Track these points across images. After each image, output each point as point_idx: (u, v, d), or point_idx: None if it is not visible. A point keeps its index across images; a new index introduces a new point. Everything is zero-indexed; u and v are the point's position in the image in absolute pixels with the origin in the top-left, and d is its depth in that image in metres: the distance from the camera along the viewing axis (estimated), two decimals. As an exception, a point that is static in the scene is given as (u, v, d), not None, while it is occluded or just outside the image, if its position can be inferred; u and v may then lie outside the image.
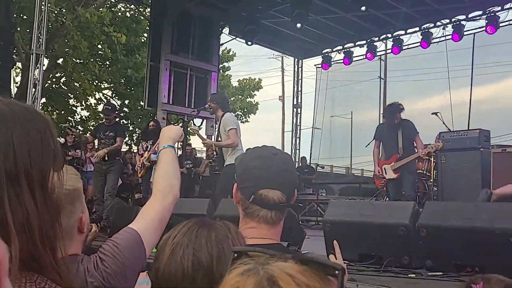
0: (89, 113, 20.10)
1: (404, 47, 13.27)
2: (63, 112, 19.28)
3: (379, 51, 14.54)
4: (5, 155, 0.91)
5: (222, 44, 15.61)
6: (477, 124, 11.95)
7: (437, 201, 7.34)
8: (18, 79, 17.36)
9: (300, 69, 16.70)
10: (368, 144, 8.18)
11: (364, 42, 14.08)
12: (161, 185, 1.63)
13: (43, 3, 9.64)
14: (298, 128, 16.55)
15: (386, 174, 7.56)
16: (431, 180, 8.50)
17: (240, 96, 27.23)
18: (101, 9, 16.37)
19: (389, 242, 4.55)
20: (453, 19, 12.18)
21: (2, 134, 0.93)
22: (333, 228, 4.91)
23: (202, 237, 1.24)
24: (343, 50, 14.71)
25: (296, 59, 16.78)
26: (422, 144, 7.35)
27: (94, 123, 18.75)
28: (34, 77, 9.29)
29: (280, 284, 0.59)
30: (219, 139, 7.30)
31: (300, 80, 16.68)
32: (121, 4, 18.71)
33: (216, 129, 7.60)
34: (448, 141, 7.36)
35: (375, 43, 13.95)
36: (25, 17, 15.50)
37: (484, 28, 11.48)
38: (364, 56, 14.16)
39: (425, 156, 7.54)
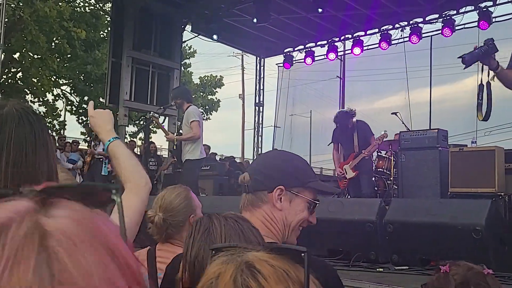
0: (46, 109, 19.54)
1: (364, 48, 13.60)
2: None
3: (340, 51, 14.82)
4: None
5: (185, 41, 15.55)
6: (435, 123, 12.42)
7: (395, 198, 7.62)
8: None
9: (262, 67, 16.79)
10: (330, 143, 8.41)
11: (325, 42, 14.33)
12: (134, 178, 1.61)
13: (1, -4, 9.37)
14: (260, 127, 16.67)
15: (347, 174, 7.82)
16: (391, 179, 8.79)
17: (201, 93, 27.16)
18: (60, 4, 15.97)
19: (357, 238, 4.73)
20: (411, 22, 12.59)
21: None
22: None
23: (246, 229, 1.26)
24: (304, 50, 14.90)
25: (258, 58, 16.86)
26: (375, 145, 7.76)
27: (51, 119, 18.28)
28: (-8, 72, 9.02)
29: (256, 266, 0.67)
30: (180, 131, 7.28)
31: (262, 79, 16.76)
32: (80, -2, 18.35)
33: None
34: (407, 140, 7.63)
35: (335, 43, 14.23)
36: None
37: (440, 31, 11.92)
38: (325, 56, 14.40)
39: (376, 148, 7.90)
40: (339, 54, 14.69)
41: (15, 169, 1.11)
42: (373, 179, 8.63)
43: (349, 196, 8.13)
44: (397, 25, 12.94)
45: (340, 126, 7.84)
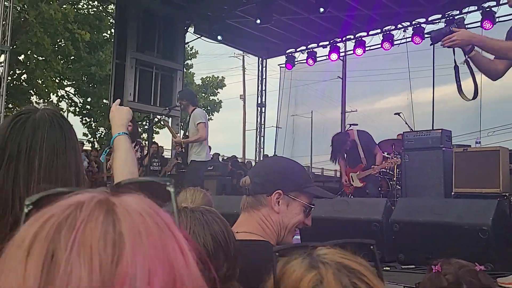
0: (50, 110, 19.61)
1: (366, 49, 13.65)
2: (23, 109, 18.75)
3: (342, 52, 14.88)
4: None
5: (188, 42, 15.63)
6: (438, 123, 12.46)
7: (402, 198, 7.67)
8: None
9: (264, 68, 16.86)
10: (330, 158, 8.44)
11: (327, 43, 14.39)
12: (123, 173, 1.66)
13: (7, -2, 9.44)
14: (262, 127, 16.72)
15: (353, 182, 7.87)
16: (394, 179, 8.84)
17: (203, 94, 27.22)
18: (64, 6, 16.06)
19: (363, 237, 4.77)
20: (413, 22, 12.64)
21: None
22: (313, 224, 5.09)
23: (211, 219, 1.30)
24: (306, 51, 14.96)
25: (260, 59, 16.93)
26: (381, 155, 7.79)
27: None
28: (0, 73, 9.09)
29: (352, 266, 0.73)
30: (187, 134, 7.36)
31: (264, 80, 16.82)
32: (83, 1, 18.42)
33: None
34: (411, 140, 7.68)
35: (337, 44, 14.28)
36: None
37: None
38: (327, 57, 14.46)
39: (380, 170, 7.91)
40: (341, 54, 14.74)
41: (48, 169, 1.18)
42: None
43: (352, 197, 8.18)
44: (399, 26, 12.99)
45: (338, 151, 7.87)
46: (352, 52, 14.11)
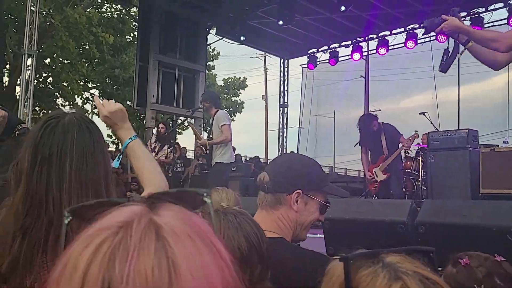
0: (76, 112, 19.97)
1: (389, 48, 13.50)
2: (50, 111, 19.16)
3: (365, 51, 14.76)
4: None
5: (210, 44, 15.70)
6: (464, 122, 12.24)
7: (428, 199, 7.56)
8: (5, 79, 17.21)
9: (286, 69, 16.84)
10: (356, 144, 8.37)
11: (349, 42, 14.29)
12: (155, 180, 1.65)
13: (33, 3, 9.62)
14: (285, 128, 16.68)
15: (377, 177, 7.77)
16: (420, 179, 8.73)
17: (225, 95, 27.31)
18: (88, 10, 16.32)
19: (387, 239, 4.72)
20: (437, 21, 12.42)
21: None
22: (332, 225, 5.06)
23: (243, 222, 1.29)
24: (329, 51, 14.89)
25: (282, 59, 16.91)
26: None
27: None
28: (27, 77, 9.26)
29: (429, 276, 0.73)
30: (211, 135, 7.37)
31: (286, 80, 16.80)
32: (107, 4, 18.67)
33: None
34: (436, 140, 7.56)
35: (360, 44, 14.17)
36: (12, 17, 15.38)
37: (468, 29, 11.73)
38: (350, 56, 14.35)
39: (408, 147, 7.85)
40: (363, 54, 14.62)
41: (78, 172, 1.21)
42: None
43: (376, 198, 8.09)
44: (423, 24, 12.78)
45: (364, 132, 7.78)
46: (375, 51, 13.97)
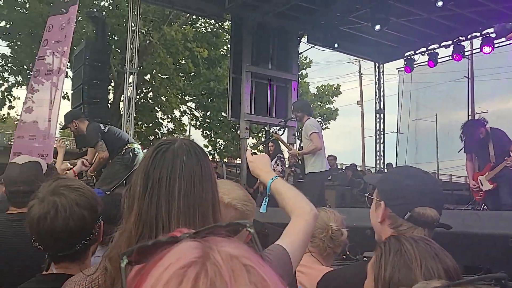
0: (174, 125, 20.95)
1: (495, 45, 12.57)
2: (151, 125, 20.29)
3: (467, 51, 13.92)
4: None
5: (301, 52, 15.65)
6: None
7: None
8: (110, 96, 18.47)
9: (381, 73, 16.42)
10: (460, 150, 7.78)
11: (449, 42, 13.55)
12: (298, 206, 1.70)
13: (133, 24, 10.18)
14: (382, 134, 16.18)
15: (482, 186, 7.14)
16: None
17: (319, 103, 27.11)
18: (184, 26, 17.03)
19: (497, 254, 4.31)
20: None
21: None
22: (435, 239, 4.73)
23: (439, 251, 1.28)
24: (427, 52, 14.25)
25: (376, 64, 16.49)
26: None
27: (177, 134, 19.51)
28: (129, 94, 9.80)
29: None
30: (301, 145, 7.27)
31: (381, 85, 16.38)
32: (201, 20, 19.37)
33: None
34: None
35: (462, 43, 13.37)
36: (115, 38, 16.49)
37: None
38: (451, 57, 13.60)
39: None
40: (466, 53, 13.78)
41: (186, 198, 1.22)
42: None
43: (486, 208, 7.45)
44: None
45: (469, 138, 7.13)
46: (479, 50, 13.09)
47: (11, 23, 16.23)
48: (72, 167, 4.82)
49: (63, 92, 10.13)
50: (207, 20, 19.10)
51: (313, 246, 2.64)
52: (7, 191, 2.54)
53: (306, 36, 14.38)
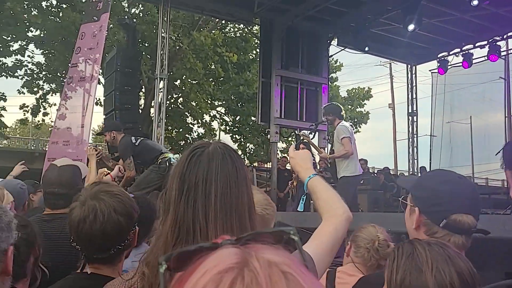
0: (204, 130, 21.07)
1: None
2: (181, 130, 20.47)
3: (504, 51, 13.55)
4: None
5: (332, 55, 15.51)
6: None
7: None
8: (141, 101, 18.72)
9: (413, 75, 16.15)
10: (498, 152, 7.50)
11: (485, 42, 13.20)
12: (331, 208, 1.66)
13: (163, 30, 10.27)
14: (415, 137, 15.90)
15: None
16: None
17: (349, 106, 26.87)
18: (213, 31, 17.13)
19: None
20: None
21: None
22: (474, 244, 4.56)
23: (453, 254, 1.27)
24: (461, 53, 13.93)
25: (408, 66, 16.22)
26: None
27: (208, 139, 19.63)
28: (159, 99, 9.88)
29: None
30: (333, 149, 7.23)
31: (414, 87, 16.12)
32: (230, 25, 19.45)
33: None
34: None
35: (497, 43, 13.01)
36: (146, 45, 16.72)
37: None
38: (486, 58, 13.25)
39: None
40: (502, 53, 13.41)
41: (222, 200, 1.22)
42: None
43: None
44: None
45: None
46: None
47: (45, 32, 16.61)
48: (109, 172, 4.87)
49: (96, 98, 10.27)
50: (236, 25, 19.16)
51: (357, 257, 2.63)
52: (44, 192, 2.64)
53: (336, 39, 14.25)
